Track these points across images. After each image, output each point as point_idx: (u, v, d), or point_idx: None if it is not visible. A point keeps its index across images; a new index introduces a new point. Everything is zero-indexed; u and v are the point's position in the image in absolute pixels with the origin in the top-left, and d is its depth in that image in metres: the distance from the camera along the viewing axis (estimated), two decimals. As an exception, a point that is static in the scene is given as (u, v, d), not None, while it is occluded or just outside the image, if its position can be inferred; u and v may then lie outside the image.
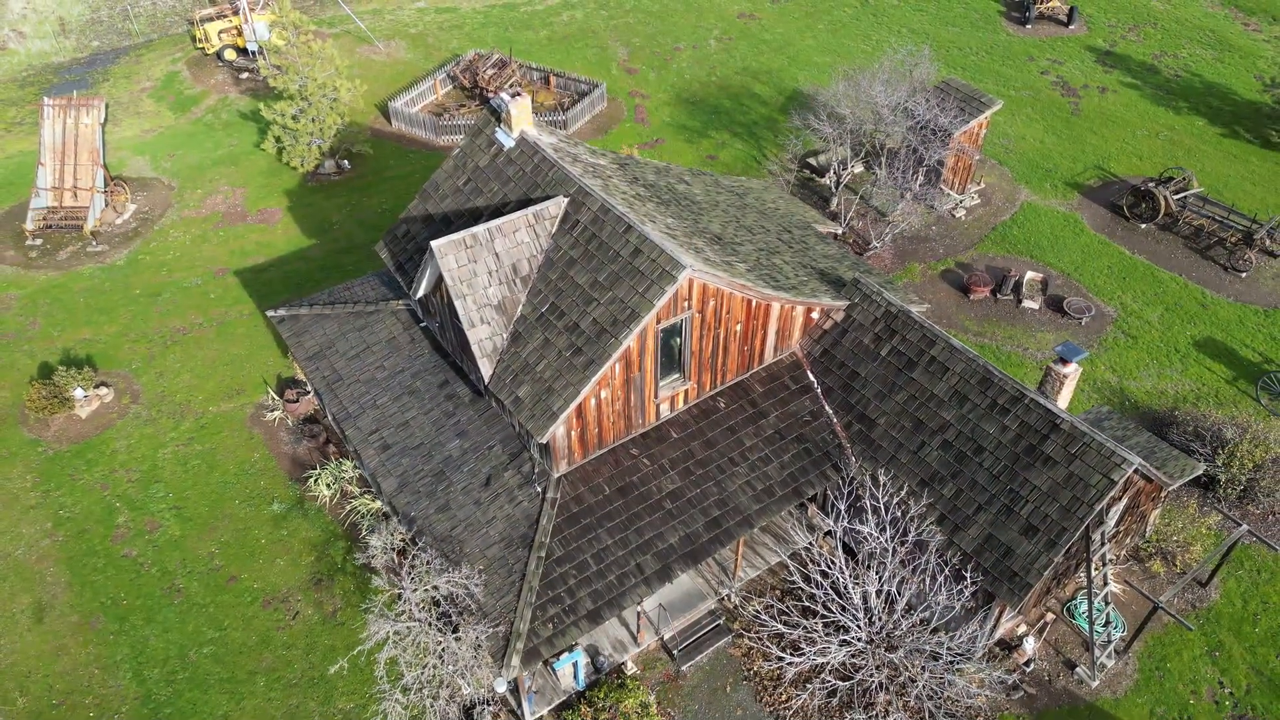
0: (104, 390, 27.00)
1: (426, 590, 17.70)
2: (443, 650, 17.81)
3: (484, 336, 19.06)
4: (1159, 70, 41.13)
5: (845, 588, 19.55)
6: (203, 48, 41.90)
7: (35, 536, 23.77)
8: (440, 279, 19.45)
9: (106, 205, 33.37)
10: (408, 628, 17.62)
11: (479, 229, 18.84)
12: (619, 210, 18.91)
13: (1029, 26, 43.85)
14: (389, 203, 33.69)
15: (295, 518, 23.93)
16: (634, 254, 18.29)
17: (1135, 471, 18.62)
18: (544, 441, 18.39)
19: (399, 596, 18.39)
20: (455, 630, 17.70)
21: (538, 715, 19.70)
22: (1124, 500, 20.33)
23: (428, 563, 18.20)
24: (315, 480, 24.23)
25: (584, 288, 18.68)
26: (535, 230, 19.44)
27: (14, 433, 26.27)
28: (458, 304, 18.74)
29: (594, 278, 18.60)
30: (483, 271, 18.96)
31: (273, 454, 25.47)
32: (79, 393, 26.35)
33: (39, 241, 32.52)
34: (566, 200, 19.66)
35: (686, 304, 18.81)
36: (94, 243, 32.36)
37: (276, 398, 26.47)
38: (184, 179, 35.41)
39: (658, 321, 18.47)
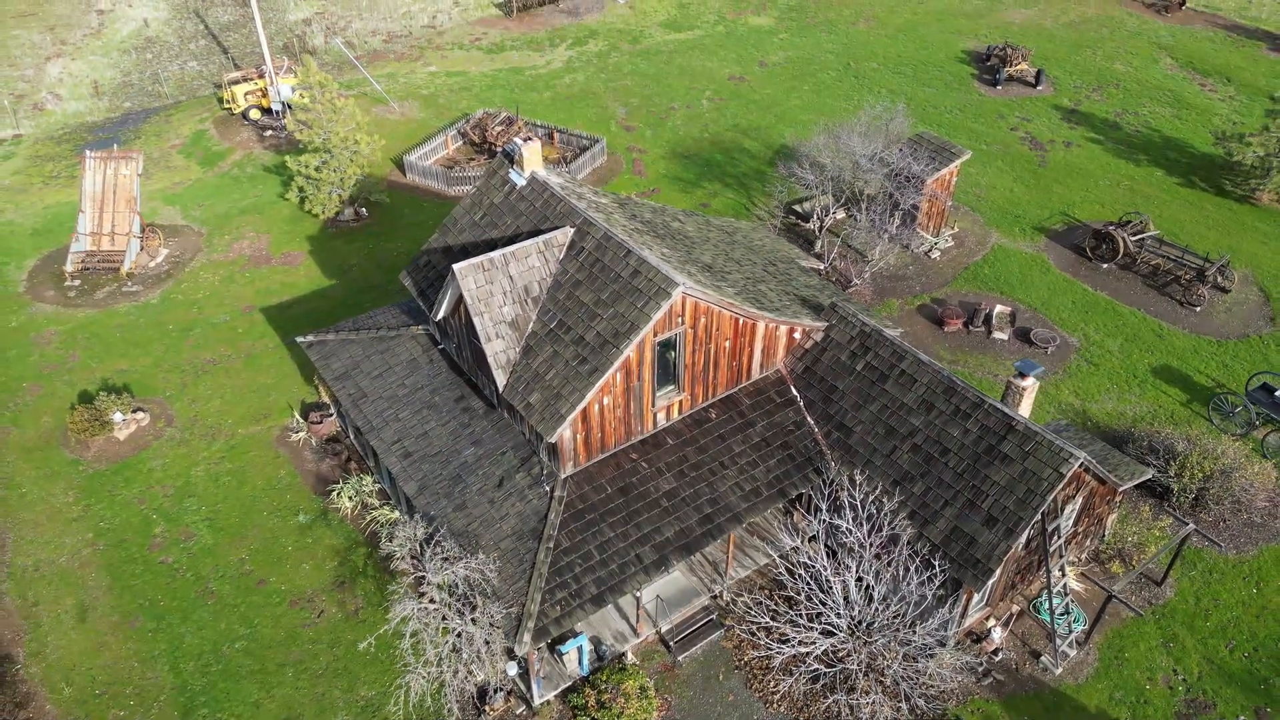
0: (140, 415, 29.07)
1: (446, 575, 19.57)
2: (459, 633, 19.63)
3: (499, 350, 21.28)
4: (1121, 127, 44.17)
5: (827, 581, 21.45)
6: (229, 108, 44.90)
7: (77, 546, 25.63)
8: (460, 299, 21.73)
9: (141, 249, 35.83)
10: (428, 608, 19.46)
11: (495, 254, 21.22)
12: (620, 237, 21.31)
13: (999, 88, 47.06)
14: (404, 246, 36.19)
15: (319, 527, 25.83)
16: (633, 274, 20.62)
17: (1082, 468, 20.68)
18: (553, 441, 20.49)
19: (421, 580, 20.26)
20: (473, 611, 19.54)
21: (545, 698, 21.41)
22: (1079, 500, 22.37)
23: (446, 553, 20.10)
24: (337, 493, 26.20)
25: (589, 305, 20.98)
26: (545, 256, 21.81)
27: (57, 454, 28.27)
28: (476, 321, 21.00)
29: (597, 296, 20.91)
30: (498, 292, 21.27)
31: (298, 471, 27.46)
32: (118, 416, 28.43)
33: (77, 282, 34.89)
34: (573, 230, 22.07)
35: (680, 319, 21.09)
36: (129, 283, 34.74)
37: (301, 420, 28.55)
38: (212, 226, 37.96)
39: (654, 334, 20.72)
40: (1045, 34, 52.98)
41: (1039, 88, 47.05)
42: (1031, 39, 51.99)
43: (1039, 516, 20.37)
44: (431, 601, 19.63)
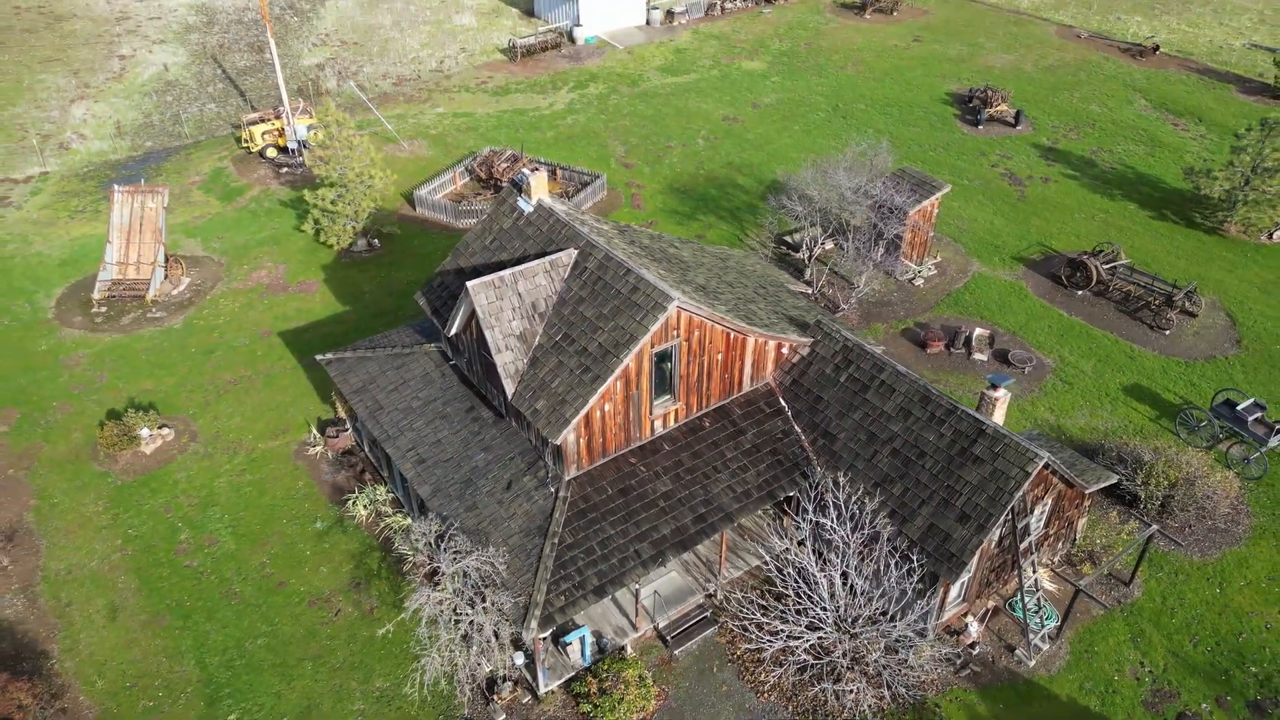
0: (166, 431, 30.72)
1: (459, 566, 21.11)
2: (471, 621, 21.12)
3: (508, 360, 23.03)
4: (1096, 164, 46.39)
5: (813, 578, 22.97)
6: (247, 146, 47.10)
7: (107, 551, 27.13)
8: (473, 314, 23.53)
9: (165, 278, 37.71)
10: (442, 597, 20.98)
11: (505, 273, 23.06)
12: (620, 258, 23.17)
13: (981, 127, 49.38)
14: (414, 275, 38.09)
15: (336, 534, 27.36)
16: (632, 290, 22.44)
17: (1047, 468, 22.32)
18: (557, 444, 22.15)
19: (436, 571, 21.78)
20: (483, 600, 21.04)
21: (550, 687, 22.82)
22: (1048, 502, 23.98)
23: (458, 548, 21.66)
24: (353, 502, 27.77)
25: (591, 319, 22.77)
26: (551, 275, 23.65)
27: (86, 467, 29.86)
28: (487, 334, 22.77)
29: (599, 311, 22.71)
30: (508, 308, 23.07)
31: (315, 482, 29.05)
32: (145, 432, 30.07)
33: (104, 309, 36.71)
34: (576, 251, 23.94)
35: (675, 332, 22.87)
36: (154, 310, 36.57)
37: (318, 435, 30.19)
38: (231, 257, 39.90)
39: (652, 346, 22.48)
40: (1025, 77, 55.53)
41: (1018, 127, 49.36)
42: (1012, 82, 54.50)
43: (1009, 513, 21.97)
44: (444, 591, 21.13)
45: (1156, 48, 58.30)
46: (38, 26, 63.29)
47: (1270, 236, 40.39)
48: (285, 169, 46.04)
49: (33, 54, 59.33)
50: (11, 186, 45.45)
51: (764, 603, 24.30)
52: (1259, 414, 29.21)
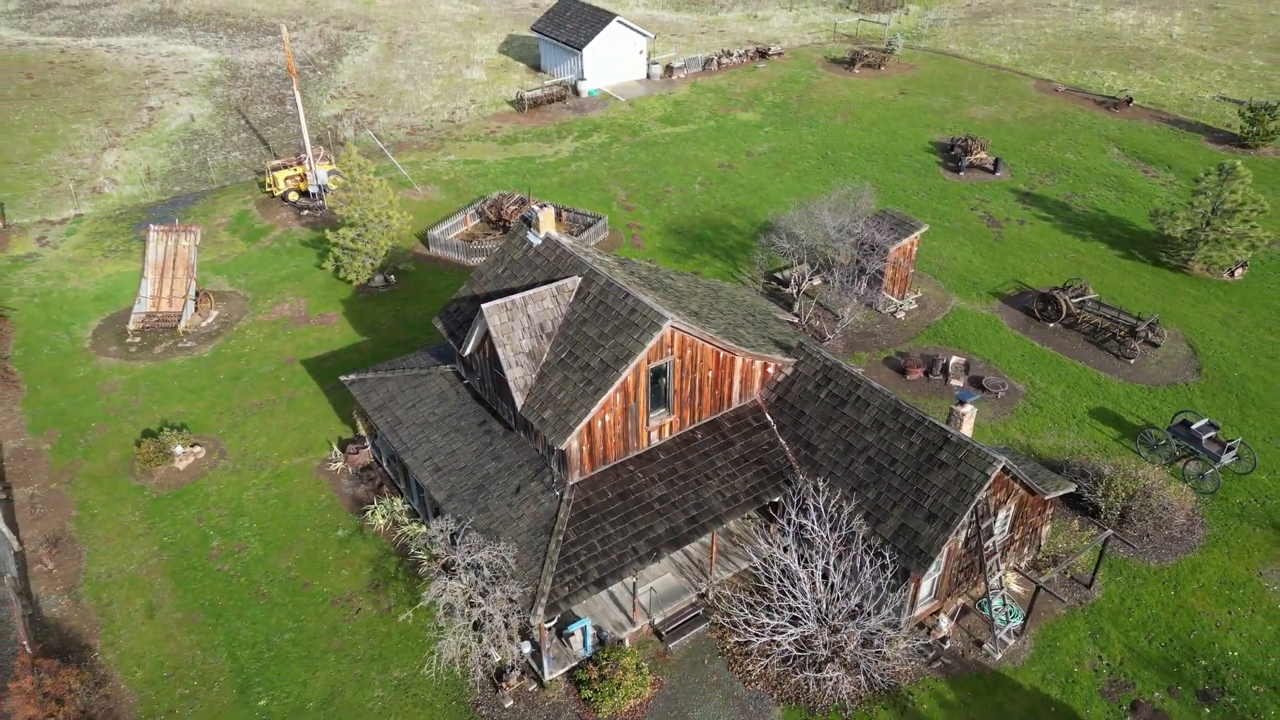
0: (198, 449, 33.04)
1: (473, 558, 23.29)
2: (483, 611, 23.25)
3: (518, 375, 25.46)
4: (1070, 207, 49.23)
5: (796, 576, 25.10)
6: (270, 191, 50.07)
7: (144, 556, 29.31)
8: (486, 334, 26.02)
9: (195, 311, 40.33)
10: (457, 586, 23.15)
11: (516, 296, 25.60)
12: (620, 283, 25.72)
13: (961, 174, 52.35)
14: (428, 309, 40.68)
15: (356, 541, 29.54)
16: (630, 312, 24.95)
17: (1005, 472, 24.58)
18: (562, 449, 24.48)
19: (451, 564, 23.96)
20: (495, 589, 23.19)
21: (554, 675, 24.85)
22: (1011, 507, 26.20)
23: (472, 543, 23.87)
24: (372, 513, 29.99)
25: (593, 338, 25.24)
26: (557, 299, 26.18)
27: (124, 481, 32.13)
28: (499, 351, 25.23)
29: (600, 330, 25.19)
30: (518, 328, 25.57)
31: (336, 494, 31.30)
32: (178, 449, 32.42)
33: (137, 339, 39.26)
34: (580, 278, 26.50)
35: (669, 350, 25.32)
36: (184, 340, 39.12)
37: (339, 452, 32.50)
38: (256, 292, 42.56)
39: (648, 361, 24.92)
40: (1005, 128, 58.72)
41: (997, 174, 52.32)
42: (992, 132, 57.66)
43: (973, 513, 24.19)
44: (459, 581, 23.30)
45: (1130, 100, 61.59)
46: (70, 80, 66.88)
47: (1232, 274, 42.99)
48: (306, 211, 48.93)
49: (66, 105, 62.77)
50: (49, 227, 48.33)
51: (752, 600, 26.38)
52: (1213, 433, 31.48)
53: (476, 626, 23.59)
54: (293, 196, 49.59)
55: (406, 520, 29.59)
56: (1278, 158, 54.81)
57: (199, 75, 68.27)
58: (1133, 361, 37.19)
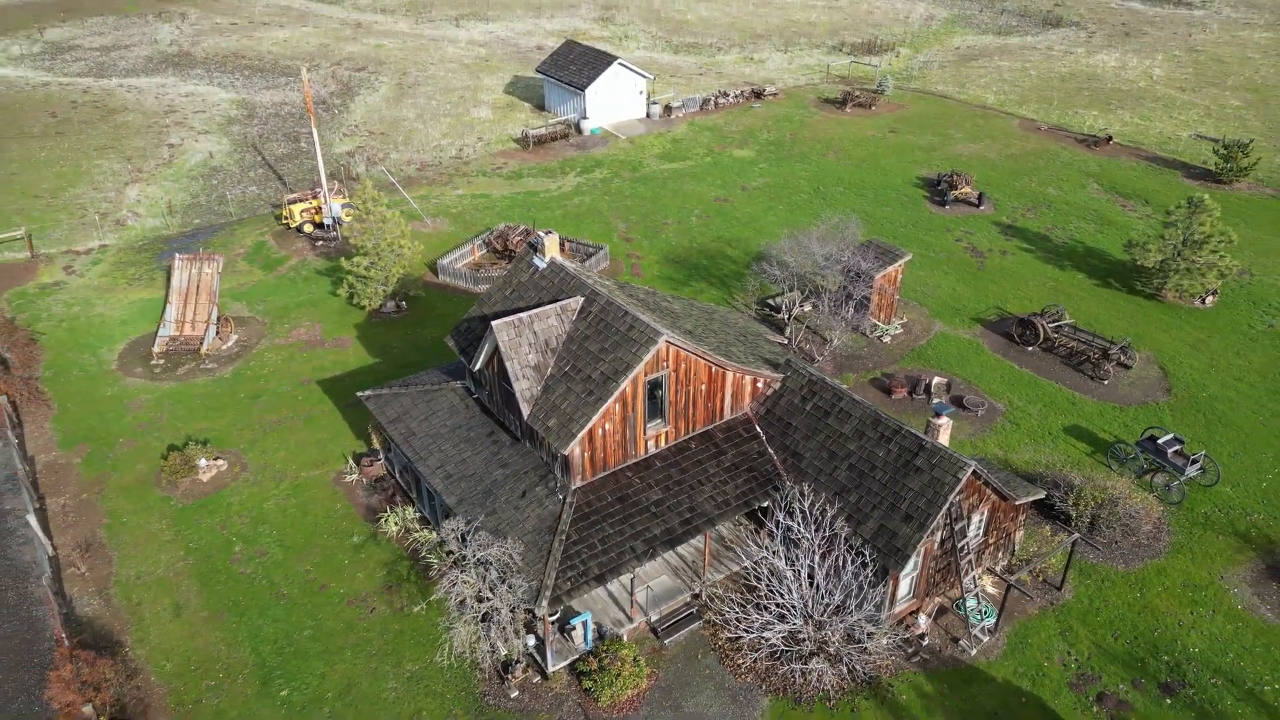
0: (220, 462, 34.98)
1: (484, 554, 25.15)
2: (492, 605, 25.06)
3: (525, 387, 27.49)
4: (1050, 239, 51.54)
5: (783, 574, 26.90)
6: (286, 223, 52.45)
7: (171, 561, 31.13)
8: (495, 349, 28.09)
9: (216, 335, 42.45)
10: (469, 579, 24.98)
11: (523, 314, 27.71)
12: (619, 303, 27.84)
13: (947, 208, 54.75)
14: (437, 333, 42.80)
15: (370, 546, 31.37)
16: (629, 328, 27.05)
17: (976, 476, 26.49)
18: (566, 454, 26.43)
19: (464, 558, 25.80)
20: (503, 583, 25.03)
21: (556, 667, 26.57)
22: (985, 512, 28.07)
23: (482, 541, 25.74)
24: (384, 520, 31.86)
25: (594, 353, 27.30)
26: (561, 317, 28.29)
27: (151, 493, 34.03)
28: (508, 364, 27.29)
29: (601, 345, 27.26)
30: (525, 343, 27.64)
31: (351, 504, 33.18)
32: (203, 462, 34.36)
33: (161, 361, 41.35)
34: (583, 298, 28.62)
35: (665, 364, 27.37)
36: (206, 362, 41.20)
37: (354, 464, 34.43)
38: (274, 317, 44.73)
39: (645, 374, 26.95)
40: (989, 164, 61.27)
41: (981, 207, 54.72)
42: (977, 168, 60.18)
43: (946, 514, 26.07)
44: (470, 575, 25.14)
45: (1110, 138, 64.22)
46: (93, 119, 69.71)
47: (1203, 301, 45.12)
48: (320, 242, 51.26)
49: (89, 142, 65.49)
50: (75, 257, 50.65)
51: (742, 599, 28.15)
52: (1178, 447, 33.41)
53: (485, 618, 25.37)
54: (308, 228, 51.94)
55: (417, 527, 31.44)
56: (1250, 193, 57.28)
57: (216, 114, 71.11)
58: (1106, 382, 39.19)
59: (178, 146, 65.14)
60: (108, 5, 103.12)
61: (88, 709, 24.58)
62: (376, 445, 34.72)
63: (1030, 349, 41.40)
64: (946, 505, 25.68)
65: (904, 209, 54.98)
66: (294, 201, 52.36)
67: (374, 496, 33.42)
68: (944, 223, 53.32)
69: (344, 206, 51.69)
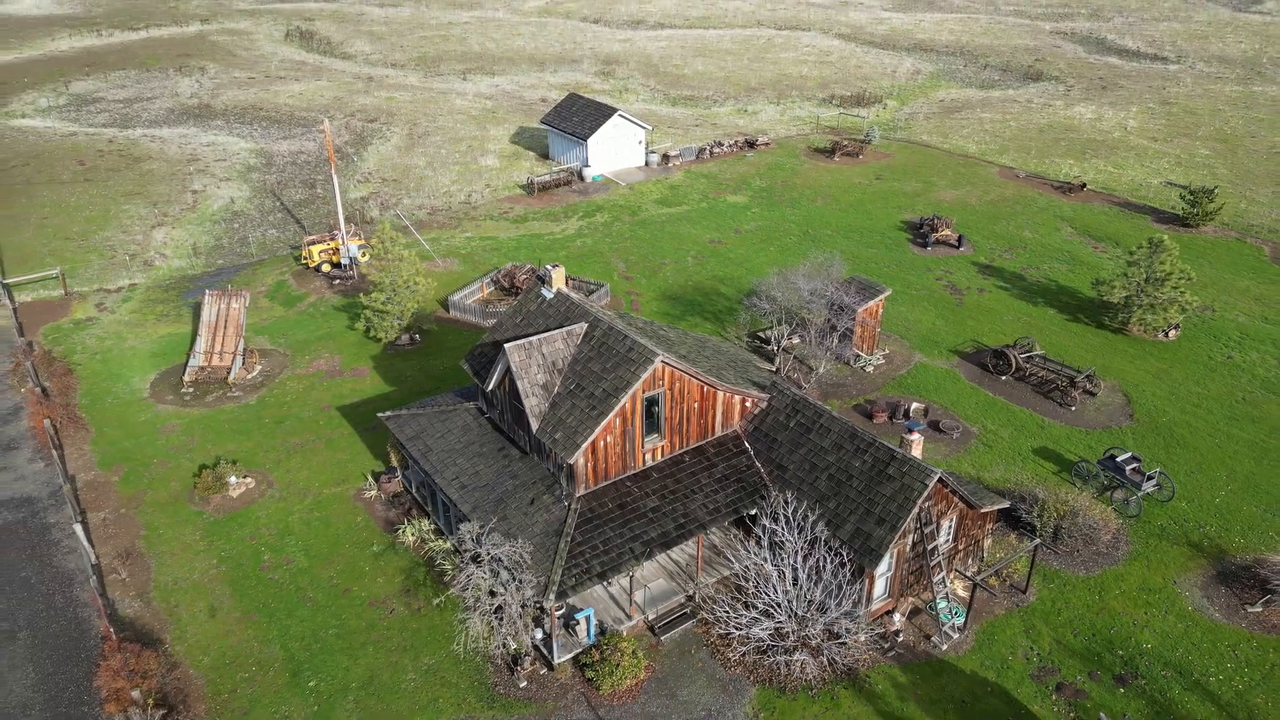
0: (249, 480, 37.68)
1: (498, 552, 27.78)
2: (504, 600, 27.64)
3: (534, 404, 30.35)
4: (1025, 278, 54.74)
5: (769, 575, 29.50)
6: (305, 263, 55.69)
7: (205, 568, 33.69)
8: (508, 370, 30.99)
9: (242, 366, 45.38)
10: (484, 574, 27.59)
11: (533, 338, 30.68)
12: (620, 328, 30.82)
13: (929, 249, 58.06)
14: (449, 363, 45.74)
15: (389, 554, 33.96)
16: (628, 350, 29.99)
17: (942, 484, 29.23)
18: (571, 463, 29.20)
19: (478, 556, 28.42)
20: (514, 579, 27.63)
21: (561, 660, 29.06)
22: (953, 518, 30.75)
23: (495, 542, 28.39)
24: (402, 531, 34.49)
25: (597, 372, 30.21)
26: (567, 341, 31.25)
27: (184, 507, 36.68)
28: (518, 383, 30.18)
29: (603, 365, 30.18)
30: (534, 364, 30.56)
31: (371, 517, 35.82)
32: (233, 479, 37.07)
33: (191, 389, 44.22)
34: (586, 324, 31.61)
35: (660, 383, 30.26)
36: (233, 390, 44.07)
37: (373, 481, 37.14)
38: (295, 349, 47.70)
39: (643, 391, 29.83)
40: (969, 209, 64.78)
41: (961, 249, 58.03)
42: (958, 213, 63.66)
43: (916, 518, 28.75)
44: (484, 570, 27.76)
45: (1084, 185, 67.83)
46: (120, 166, 73.41)
47: (1166, 335, 48.14)
48: (338, 280, 54.44)
49: (116, 189, 69.06)
50: (106, 295, 53.76)
51: (732, 598, 30.69)
52: (1135, 465, 36.16)
53: (497, 612, 27.92)
54: (326, 268, 55.15)
55: (432, 537, 34.05)
56: (1215, 235, 60.66)
57: (237, 162, 74.84)
58: (1073, 408, 42.04)
59: (200, 192, 68.69)
60: (129, 60, 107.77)
61: (136, 693, 27.04)
62: (395, 463, 37.46)
63: (1003, 378, 44.30)
64: (916, 509, 28.39)
65: (888, 250, 58.30)
66: (313, 243, 55.63)
67: (392, 510, 36.07)
68: (925, 263, 56.57)
69: (360, 248, 54.96)
